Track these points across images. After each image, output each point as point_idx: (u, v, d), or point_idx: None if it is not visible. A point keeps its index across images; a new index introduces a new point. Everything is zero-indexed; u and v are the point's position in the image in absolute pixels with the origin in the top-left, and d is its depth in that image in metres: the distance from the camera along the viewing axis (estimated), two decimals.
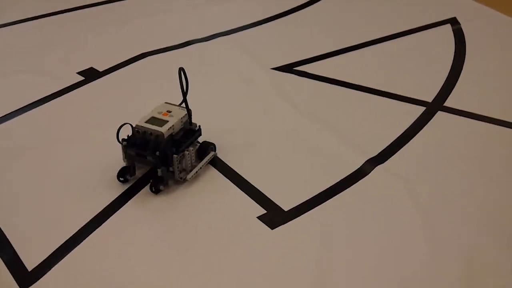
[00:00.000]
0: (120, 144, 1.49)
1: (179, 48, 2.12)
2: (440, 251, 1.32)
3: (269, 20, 2.31)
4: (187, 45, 2.14)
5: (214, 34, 2.21)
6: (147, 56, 2.06)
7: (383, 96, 1.85)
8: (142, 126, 1.47)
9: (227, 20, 2.31)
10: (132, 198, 1.47)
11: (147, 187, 1.49)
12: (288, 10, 2.38)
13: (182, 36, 2.18)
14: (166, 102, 1.55)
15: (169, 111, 1.52)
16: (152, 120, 1.49)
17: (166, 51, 2.10)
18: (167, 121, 1.48)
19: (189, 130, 1.54)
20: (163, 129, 1.46)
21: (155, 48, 2.10)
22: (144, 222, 1.41)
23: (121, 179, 1.51)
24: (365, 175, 1.53)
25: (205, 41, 2.17)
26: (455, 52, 2.11)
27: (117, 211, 1.43)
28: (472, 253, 1.32)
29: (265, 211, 1.42)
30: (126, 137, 1.49)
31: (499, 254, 1.32)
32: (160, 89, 1.84)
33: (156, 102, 1.56)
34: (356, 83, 1.91)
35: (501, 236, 1.37)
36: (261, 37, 2.22)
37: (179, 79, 1.47)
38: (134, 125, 1.48)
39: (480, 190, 1.50)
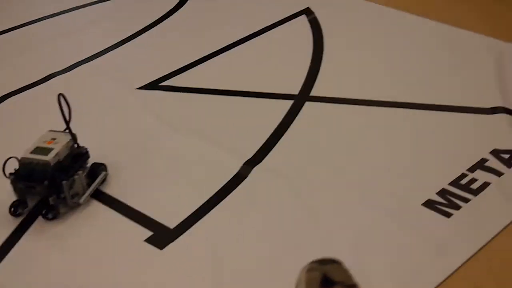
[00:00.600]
0: (8, 179, 1.47)
1: (40, 83, 2.07)
2: (330, 235, 1.36)
3: (127, 40, 2.29)
4: (49, 79, 2.09)
5: (74, 64, 2.16)
6: (8, 98, 1.99)
7: (251, 96, 1.88)
8: (27, 158, 1.46)
9: (85, 47, 2.26)
10: (27, 231, 1.45)
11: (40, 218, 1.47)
12: (144, 28, 2.37)
13: (42, 71, 2.12)
14: (50, 130, 1.53)
15: (53, 139, 1.51)
16: (37, 150, 1.47)
17: (27, 89, 2.04)
18: (52, 149, 1.47)
19: (77, 154, 1.53)
20: (49, 157, 1.45)
21: (15, 88, 2.03)
22: (41, 256, 1.38)
23: (14, 213, 1.49)
24: (245, 178, 1.55)
25: (67, 71, 2.13)
26: (313, 41, 2.16)
27: (14, 247, 1.40)
28: (361, 227, 1.38)
29: (152, 233, 1.41)
30: (13, 171, 1.46)
31: (385, 221, 1.39)
32: (30, 128, 1.78)
33: (30, 139, 1.52)
34: (222, 88, 1.93)
35: (383, 207, 1.42)
36: (122, 59, 2.19)
37: (59, 105, 1.47)
38: (19, 158, 1.46)
39: (355, 169, 1.56)
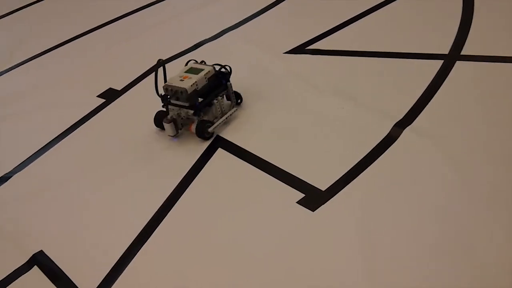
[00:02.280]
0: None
1: (191, 51, 2.14)
2: (483, 202, 1.32)
3: (271, 6, 2.32)
4: (199, 47, 2.16)
5: (222, 31, 2.22)
6: (162, 65, 2.07)
7: (399, 57, 1.85)
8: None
9: (231, 15, 2.32)
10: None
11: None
12: None
13: (192, 39, 2.19)
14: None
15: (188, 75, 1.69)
16: (190, 72, 1.70)
17: (179, 57, 2.12)
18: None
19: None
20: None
21: (168, 56, 2.12)
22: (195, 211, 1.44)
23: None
24: (395, 140, 1.53)
25: (215, 39, 2.19)
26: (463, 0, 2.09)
27: (165, 217, 1.46)
28: None
29: (303, 195, 1.43)
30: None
31: None
32: None
33: None
34: (369, 50, 1.91)
35: None
36: (267, 25, 2.22)
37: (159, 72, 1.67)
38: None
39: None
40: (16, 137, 1.93)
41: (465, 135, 1.51)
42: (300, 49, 2.00)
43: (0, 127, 2.00)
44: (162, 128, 1.71)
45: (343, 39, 2.01)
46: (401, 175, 1.43)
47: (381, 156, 1.49)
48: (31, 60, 2.39)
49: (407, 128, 1.56)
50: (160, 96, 1.68)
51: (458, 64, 1.76)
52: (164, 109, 1.71)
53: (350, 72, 1.84)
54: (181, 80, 1.65)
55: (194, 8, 2.46)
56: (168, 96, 1.67)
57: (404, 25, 2.03)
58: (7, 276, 1.41)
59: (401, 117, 1.60)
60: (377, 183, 1.42)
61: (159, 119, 1.71)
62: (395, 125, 1.57)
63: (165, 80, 1.68)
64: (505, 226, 1.25)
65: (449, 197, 1.34)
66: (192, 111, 1.66)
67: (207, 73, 1.67)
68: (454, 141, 1.49)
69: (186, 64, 1.74)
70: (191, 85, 1.63)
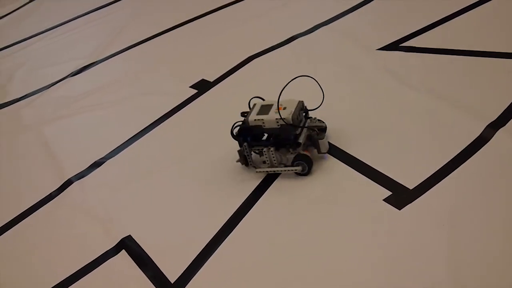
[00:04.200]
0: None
1: (284, 45, 2.15)
2: None
3: (366, 2, 2.30)
4: (292, 41, 2.16)
5: (315, 26, 2.22)
6: (254, 58, 2.10)
7: (495, 57, 1.79)
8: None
9: (325, 9, 2.31)
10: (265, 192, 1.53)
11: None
12: None
13: (285, 33, 2.20)
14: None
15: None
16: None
17: (272, 50, 2.13)
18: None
19: None
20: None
21: (261, 50, 2.14)
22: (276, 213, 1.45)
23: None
24: (487, 141, 1.48)
25: (308, 33, 2.19)
26: None
27: (251, 209, 1.48)
28: None
29: (390, 192, 1.41)
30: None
31: None
32: (272, 87, 1.86)
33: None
34: (464, 49, 1.86)
35: None
36: (361, 20, 2.20)
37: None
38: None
39: None
40: (110, 124, 2.00)
41: None
42: (393, 46, 1.97)
43: (97, 113, 2.07)
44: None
45: (439, 36, 1.97)
46: (494, 177, 1.39)
47: (472, 157, 1.45)
48: (131, 48, 2.46)
49: (501, 129, 1.51)
50: (294, 138, 1.54)
51: None
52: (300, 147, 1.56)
53: (444, 71, 1.80)
54: (285, 108, 1.55)
55: (290, 2, 2.46)
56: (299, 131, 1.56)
57: (502, 24, 1.96)
58: (95, 259, 1.47)
59: (495, 118, 1.55)
60: (467, 184, 1.39)
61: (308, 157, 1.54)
62: (488, 125, 1.53)
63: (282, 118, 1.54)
64: None
65: None
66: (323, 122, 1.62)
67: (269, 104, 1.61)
68: None
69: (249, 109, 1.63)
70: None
